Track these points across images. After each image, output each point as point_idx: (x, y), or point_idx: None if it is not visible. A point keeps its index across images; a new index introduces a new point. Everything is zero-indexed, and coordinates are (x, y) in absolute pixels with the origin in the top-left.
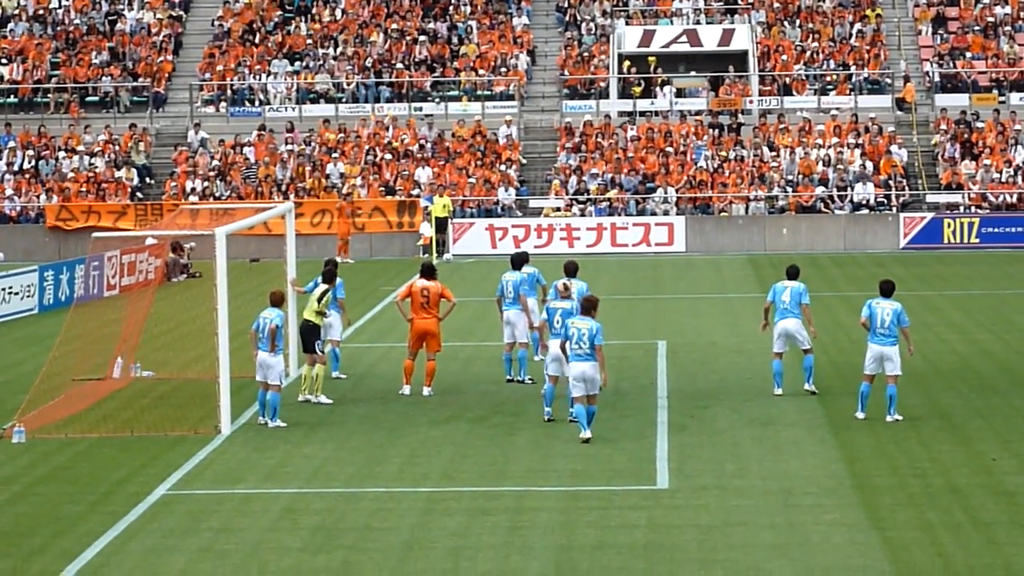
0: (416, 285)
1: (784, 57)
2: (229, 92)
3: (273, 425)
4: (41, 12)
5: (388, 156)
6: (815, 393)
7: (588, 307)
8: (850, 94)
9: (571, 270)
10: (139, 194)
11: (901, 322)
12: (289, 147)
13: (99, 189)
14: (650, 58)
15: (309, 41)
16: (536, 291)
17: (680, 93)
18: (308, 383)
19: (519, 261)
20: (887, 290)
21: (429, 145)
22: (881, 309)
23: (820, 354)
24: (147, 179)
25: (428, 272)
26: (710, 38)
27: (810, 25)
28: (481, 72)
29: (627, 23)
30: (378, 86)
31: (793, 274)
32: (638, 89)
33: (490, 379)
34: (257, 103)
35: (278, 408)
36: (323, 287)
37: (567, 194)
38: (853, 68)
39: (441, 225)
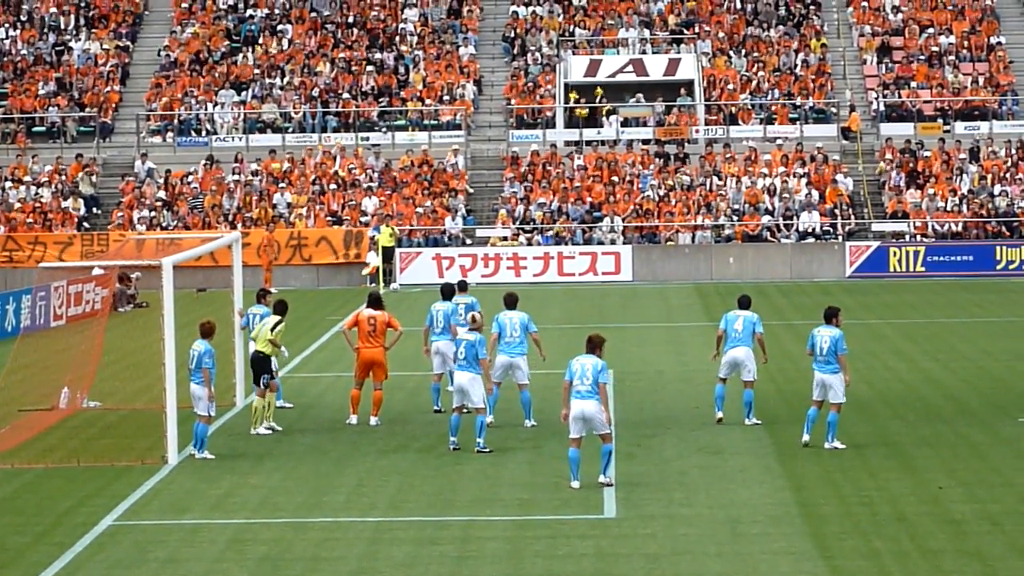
0: (363, 314)
1: (730, 86)
2: (176, 122)
3: (200, 457)
4: None
5: (334, 186)
6: (759, 424)
7: (594, 345)
8: (795, 123)
9: (510, 302)
10: (86, 224)
11: (838, 349)
12: (236, 177)
13: (45, 219)
14: (597, 89)
15: (256, 71)
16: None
17: (627, 122)
18: (271, 410)
19: (449, 291)
20: (828, 316)
21: (376, 175)
22: (820, 337)
23: (767, 383)
24: (94, 209)
25: (375, 302)
26: (656, 68)
27: (755, 54)
28: (428, 102)
29: (573, 53)
30: (325, 116)
31: (745, 303)
32: (583, 112)
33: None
34: (204, 133)
35: (205, 440)
36: (276, 318)
37: (514, 223)
38: (799, 98)
39: (387, 255)
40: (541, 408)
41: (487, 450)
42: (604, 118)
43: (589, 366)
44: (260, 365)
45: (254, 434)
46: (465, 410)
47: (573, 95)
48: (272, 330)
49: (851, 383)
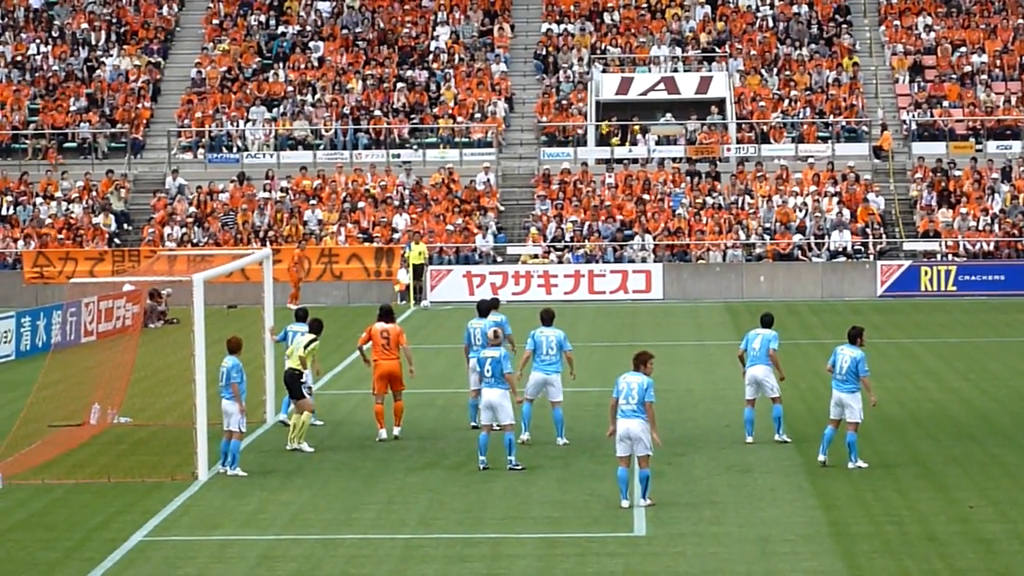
0: (375, 328)
1: (762, 105)
2: (207, 138)
3: (232, 473)
4: (20, 58)
5: (361, 204)
6: (787, 442)
7: (639, 362)
8: (826, 142)
9: (547, 319)
10: (117, 240)
11: (859, 371)
12: (267, 194)
13: (76, 235)
14: (634, 127)
15: (287, 88)
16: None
17: (658, 141)
18: (296, 431)
19: (485, 308)
20: (852, 336)
21: (407, 192)
22: (842, 356)
23: (797, 401)
24: (125, 225)
25: (386, 315)
26: (688, 86)
27: (787, 73)
28: (459, 119)
29: (605, 71)
30: (356, 133)
31: (767, 322)
32: (615, 140)
33: (467, 426)
34: (235, 150)
35: (237, 456)
36: (310, 336)
37: (544, 241)
38: (830, 116)
39: (417, 272)
40: (572, 426)
41: (519, 467)
42: (640, 135)
43: (635, 384)
44: (294, 382)
45: (289, 449)
46: (497, 426)
47: (605, 127)
48: (305, 348)
49: (877, 403)
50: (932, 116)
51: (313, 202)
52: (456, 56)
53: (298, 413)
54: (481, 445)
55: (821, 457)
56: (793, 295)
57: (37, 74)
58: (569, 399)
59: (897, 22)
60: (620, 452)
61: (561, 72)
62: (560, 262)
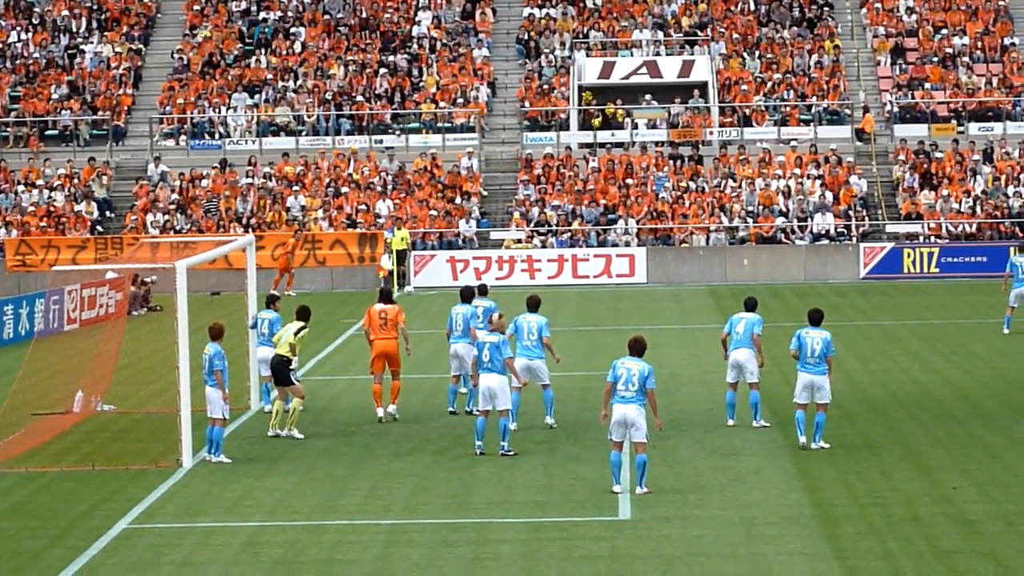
0: (374, 309)
1: (744, 88)
2: (189, 125)
3: (216, 460)
4: (0, 46)
5: (345, 189)
6: (767, 426)
7: (639, 348)
8: (808, 125)
9: (532, 305)
10: (99, 228)
11: (829, 351)
12: (249, 180)
13: (58, 223)
14: (609, 105)
15: (269, 74)
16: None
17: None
18: (279, 417)
19: (468, 294)
20: (816, 319)
21: (390, 177)
22: (811, 339)
23: (781, 384)
24: (107, 213)
25: (386, 297)
26: (670, 70)
27: (769, 56)
28: (441, 104)
29: (587, 55)
30: (338, 119)
31: (751, 306)
32: (597, 122)
33: (448, 412)
34: (217, 136)
35: (220, 443)
36: (299, 324)
37: (528, 226)
38: (813, 99)
39: (400, 257)
40: (557, 410)
41: (511, 452)
42: (627, 118)
43: (636, 371)
44: (282, 368)
45: (285, 435)
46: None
47: (587, 95)
48: (296, 335)
49: (859, 384)
50: (914, 98)
51: (296, 188)
52: (438, 41)
53: (295, 397)
54: (478, 430)
55: (802, 439)
56: (776, 278)
57: (18, 61)
58: (553, 383)
59: (879, 4)
60: (615, 437)
61: (543, 57)
62: (544, 247)
